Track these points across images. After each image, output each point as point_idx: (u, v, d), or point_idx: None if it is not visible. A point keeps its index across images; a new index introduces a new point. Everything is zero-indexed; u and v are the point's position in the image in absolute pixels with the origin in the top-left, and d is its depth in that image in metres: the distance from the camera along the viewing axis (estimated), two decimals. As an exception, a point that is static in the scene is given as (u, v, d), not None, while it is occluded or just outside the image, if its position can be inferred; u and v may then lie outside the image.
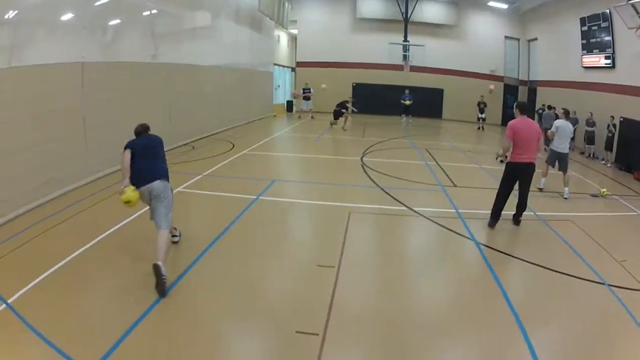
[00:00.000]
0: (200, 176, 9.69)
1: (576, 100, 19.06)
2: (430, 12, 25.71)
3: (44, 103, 7.63)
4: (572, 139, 11.72)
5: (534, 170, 7.13)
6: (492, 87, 26.46)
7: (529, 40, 25.73)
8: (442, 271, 5.89)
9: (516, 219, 7.41)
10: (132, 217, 6.76)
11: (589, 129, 16.74)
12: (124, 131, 9.94)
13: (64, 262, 5.24)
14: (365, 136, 17.79)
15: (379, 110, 25.92)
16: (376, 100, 26.25)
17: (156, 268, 4.60)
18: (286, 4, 23.00)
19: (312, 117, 23.21)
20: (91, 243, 5.86)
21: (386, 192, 9.02)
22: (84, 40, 8.95)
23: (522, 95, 26.50)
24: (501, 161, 7.52)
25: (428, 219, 7.59)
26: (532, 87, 25.46)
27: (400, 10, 24.48)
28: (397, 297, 5.00)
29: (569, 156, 9.63)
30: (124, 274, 5.13)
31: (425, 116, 25.65)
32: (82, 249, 5.66)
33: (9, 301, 4.32)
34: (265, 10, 19.35)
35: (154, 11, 11.86)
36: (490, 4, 25.22)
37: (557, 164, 9.60)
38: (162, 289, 4.56)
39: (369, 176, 10.40)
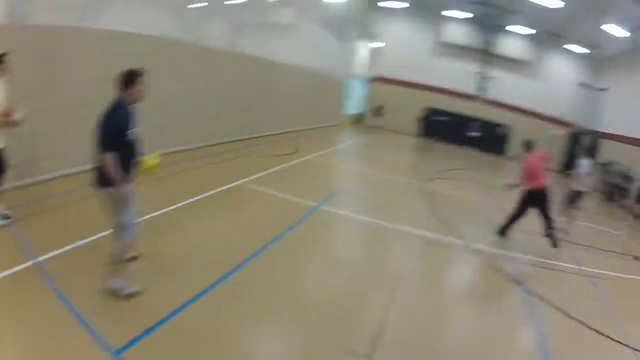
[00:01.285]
0: (264, 173, 9.96)
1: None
2: (510, 46, 25.12)
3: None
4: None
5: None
6: (555, 131, 25.45)
7: (600, 89, 24.61)
8: (484, 311, 5.81)
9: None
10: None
11: None
12: (180, 116, 10.54)
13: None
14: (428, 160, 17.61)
15: (443, 137, 25.51)
16: (443, 127, 25.84)
17: None
18: (373, 16, 23.12)
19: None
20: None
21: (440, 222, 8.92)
22: (163, 15, 9.41)
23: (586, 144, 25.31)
24: None
25: (478, 251, 7.55)
26: (597, 137, 24.33)
27: (485, 40, 23.97)
28: (445, 327, 5.06)
29: None
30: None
31: (489, 151, 24.99)
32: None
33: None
34: (354, 18, 19.51)
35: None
36: (568, 46, 24.30)
37: None
38: None
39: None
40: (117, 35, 7.98)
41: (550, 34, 24.06)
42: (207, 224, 6.69)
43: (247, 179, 9.06)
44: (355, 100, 28.76)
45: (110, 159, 3.94)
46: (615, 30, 19.22)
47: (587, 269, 7.87)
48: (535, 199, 7.92)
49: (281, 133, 16.37)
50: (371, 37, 24.70)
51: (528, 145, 8.30)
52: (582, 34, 22.24)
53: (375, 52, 28.11)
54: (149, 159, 4.56)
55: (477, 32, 25.09)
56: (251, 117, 13.85)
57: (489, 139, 23.92)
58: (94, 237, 5.21)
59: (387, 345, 4.27)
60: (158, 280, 4.70)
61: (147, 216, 5.92)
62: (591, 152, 21.77)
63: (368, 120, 26.73)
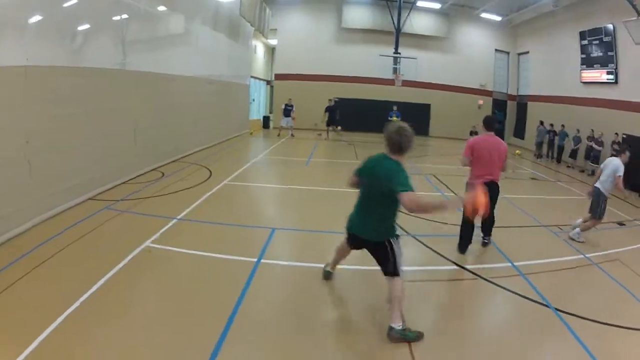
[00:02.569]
0: (175, 220, 7.45)
1: (572, 116, 18.69)
2: (420, 23, 24.21)
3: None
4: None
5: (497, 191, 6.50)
6: (481, 102, 25.45)
7: (519, 54, 25.03)
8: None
9: (483, 244, 6.91)
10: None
11: (597, 147, 16.01)
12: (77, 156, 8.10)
13: None
14: (359, 158, 15.81)
15: (363, 128, 24.23)
16: (361, 116, 24.60)
17: None
18: (267, 10, 20.99)
19: (292, 134, 21.16)
20: None
21: (423, 244, 7.08)
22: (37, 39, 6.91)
23: (511, 110, 25.88)
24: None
25: (487, 280, 5.77)
26: (522, 102, 24.85)
27: (392, 21, 22.66)
28: None
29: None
30: None
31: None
32: None
33: None
34: (247, 14, 17.28)
35: (124, 16, 9.77)
36: (483, 15, 24.01)
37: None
38: None
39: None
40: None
41: (460, 5, 23.58)
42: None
43: (154, 236, 6.67)
44: (259, 103, 26.74)
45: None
46: None
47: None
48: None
49: (190, 154, 13.84)
50: (268, 33, 22.56)
51: (487, 124, 6.67)
52: (495, 1, 21.86)
53: (274, 49, 26.24)
54: None
55: (382, 13, 23.85)
56: (150, 143, 11.28)
57: (409, 121, 22.64)
58: None
59: None
60: None
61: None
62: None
63: (274, 122, 24.78)
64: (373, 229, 4.27)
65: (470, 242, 6.66)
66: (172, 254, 6.07)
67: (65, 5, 7.93)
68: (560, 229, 8.21)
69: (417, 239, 7.23)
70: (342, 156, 16.34)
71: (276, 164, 14.55)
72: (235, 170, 11.94)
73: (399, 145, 4.02)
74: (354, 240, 4.54)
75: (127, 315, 4.50)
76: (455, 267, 6.25)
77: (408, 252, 6.74)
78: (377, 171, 4.10)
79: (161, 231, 6.85)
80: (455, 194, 10.75)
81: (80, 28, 8.36)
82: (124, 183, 9.87)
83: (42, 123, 7.02)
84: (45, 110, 7.08)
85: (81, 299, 4.62)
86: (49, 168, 7.28)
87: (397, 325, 4.10)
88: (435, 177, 12.88)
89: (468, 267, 6.18)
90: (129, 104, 10.09)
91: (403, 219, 8.05)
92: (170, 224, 7.23)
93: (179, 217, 7.60)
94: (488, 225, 6.73)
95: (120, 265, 5.57)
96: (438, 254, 6.64)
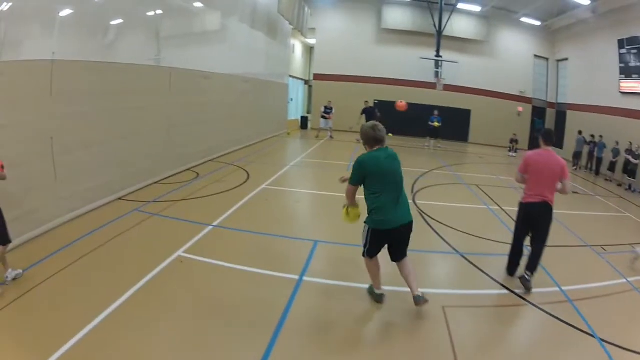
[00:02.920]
0: (210, 227, 6.86)
1: (611, 127, 17.65)
2: (460, 26, 23.21)
3: None
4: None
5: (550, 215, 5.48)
6: (520, 109, 24.48)
7: (559, 61, 23.79)
8: None
9: (523, 281, 5.43)
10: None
11: (634, 161, 15.07)
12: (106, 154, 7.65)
13: None
14: (402, 165, 14.95)
15: (401, 132, 23.43)
16: (399, 120, 23.73)
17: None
18: (306, 9, 20.40)
19: (331, 136, 20.44)
20: None
21: (472, 264, 6.32)
22: (64, 33, 6.49)
23: (550, 118, 24.74)
24: None
25: (537, 307, 5.09)
26: (561, 110, 23.72)
27: (434, 22, 21.70)
28: None
29: None
30: None
31: (451, 139, 23.32)
32: None
33: None
34: (285, 13, 16.72)
35: (158, 11, 9.35)
36: (523, 19, 22.99)
37: None
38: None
39: (437, 233, 7.61)
40: None
41: (500, 9, 22.62)
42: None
43: (185, 245, 6.01)
44: (297, 103, 26.20)
45: None
46: None
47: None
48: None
49: (226, 154, 13.36)
50: (307, 32, 21.95)
51: (546, 138, 5.75)
52: (535, 5, 20.82)
53: (313, 49, 25.67)
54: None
55: (422, 14, 23.00)
56: (185, 142, 10.78)
57: (449, 126, 21.85)
58: None
59: None
60: None
61: None
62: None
63: (314, 124, 24.04)
64: (409, 210, 4.70)
65: (519, 265, 5.87)
66: (206, 267, 5.49)
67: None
68: (604, 249, 7.51)
69: (465, 258, 6.54)
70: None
71: (316, 167, 13.77)
72: (273, 173, 11.31)
73: (381, 139, 4.66)
74: (388, 238, 4.69)
75: (158, 330, 4.04)
76: (505, 291, 5.56)
77: (457, 273, 6.00)
78: (392, 162, 4.64)
79: (195, 239, 6.28)
80: (500, 206, 10.01)
81: (112, 22, 7.91)
82: (156, 183, 9.40)
83: (69, 119, 6.61)
84: (72, 106, 6.67)
85: (108, 310, 4.21)
86: (76, 165, 6.87)
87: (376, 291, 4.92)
88: (477, 187, 12.04)
89: (518, 291, 5.47)
90: (162, 101, 9.64)
91: (451, 236, 7.32)
92: (204, 232, 6.65)
93: (214, 224, 7.02)
94: (533, 257, 5.50)
95: (149, 276, 5.07)
96: (488, 275, 5.97)
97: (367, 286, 5.08)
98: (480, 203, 10.35)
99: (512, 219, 8.76)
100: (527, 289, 5.33)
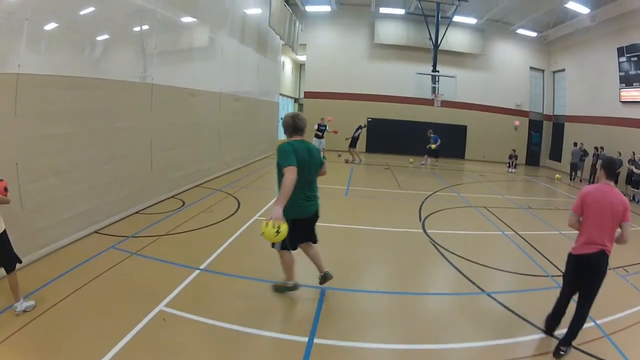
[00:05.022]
0: (197, 271, 5.82)
1: (612, 137, 17.43)
2: (456, 39, 22.71)
3: None
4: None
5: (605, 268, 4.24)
6: (517, 123, 24.15)
7: (554, 72, 23.47)
8: None
9: (559, 347, 4.26)
10: None
11: (637, 171, 14.75)
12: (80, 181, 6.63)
13: None
14: (401, 187, 14.09)
15: (397, 150, 22.85)
16: (395, 138, 23.18)
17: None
18: (297, 24, 19.63)
19: (323, 156, 19.46)
20: None
21: (502, 304, 5.39)
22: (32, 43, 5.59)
23: (547, 131, 24.43)
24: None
25: (578, 349, 4.32)
26: (558, 122, 23.47)
27: (430, 36, 21.02)
28: None
29: None
30: None
31: (447, 156, 22.60)
32: None
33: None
34: (276, 27, 15.91)
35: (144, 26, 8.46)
36: (519, 31, 22.69)
37: None
38: None
39: (458, 270, 6.66)
40: None
41: (496, 21, 22.22)
42: None
43: (169, 296, 4.97)
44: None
45: None
46: (576, 7, 17.76)
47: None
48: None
49: (213, 178, 12.34)
50: (298, 48, 21.16)
51: (608, 170, 4.47)
52: (532, 17, 20.51)
53: (302, 66, 24.94)
54: None
55: (416, 28, 22.43)
56: (169, 166, 9.80)
57: (446, 143, 21.11)
58: None
59: None
60: None
61: None
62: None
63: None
64: (318, 201, 4.97)
65: (560, 323, 4.70)
66: (193, 326, 4.46)
67: (74, 10, 6.57)
68: (626, 270, 6.91)
69: (492, 298, 5.65)
70: (381, 184, 14.56)
71: None
72: (266, 201, 10.14)
73: (300, 128, 4.76)
74: (299, 229, 4.78)
75: None
76: (542, 334, 4.73)
77: (488, 319, 5.15)
78: (313, 153, 4.77)
79: (179, 288, 5.24)
80: (515, 231, 9.21)
81: (91, 34, 6.97)
82: (137, 213, 8.39)
83: (37, 142, 5.59)
84: (41, 127, 5.66)
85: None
86: (45, 195, 5.81)
87: (289, 284, 5.15)
88: (486, 209, 11.20)
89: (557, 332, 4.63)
90: (144, 121, 8.62)
91: (472, 271, 6.41)
92: (190, 277, 5.60)
93: (202, 266, 5.97)
94: (575, 324, 4.33)
95: (125, 339, 4.04)
96: (523, 318, 5.08)
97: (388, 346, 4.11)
98: (494, 228, 9.47)
99: (531, 245, 8.07)
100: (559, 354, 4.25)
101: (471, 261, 7.00)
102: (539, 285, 6.27)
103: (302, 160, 4.51)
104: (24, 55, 5.36)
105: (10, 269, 4.35)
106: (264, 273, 5.83)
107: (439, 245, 7.76)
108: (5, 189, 4.23)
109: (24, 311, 4.32)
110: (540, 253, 7.71)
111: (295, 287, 5.12)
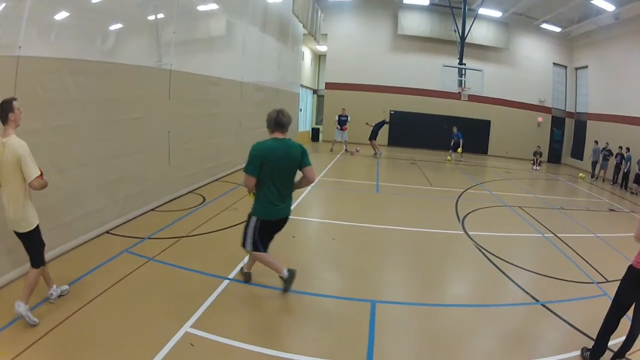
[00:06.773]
0: (226, 282, 5.09)
1: (636, 137, 16.95)
2: (480, 33, 21.76)
3: None
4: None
5: None
6: (540, 119, 23.34)
7: (577, 69, 22.64)
8: None
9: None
10: None
11: None
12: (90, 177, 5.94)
13: None
14: (433, 184, 13.26)
15: (420, 144, 22.10)
16: (418, 131, 22.45)
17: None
18: (319, 13, 18.80)
19: (346, 149, 18.77)
20: None
21: (558, 316, 4.74)
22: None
23: (569, 128, 23.72)
24: None
25: None
26: (580, 120, 22.68)
27: (456, 28, 20.07)
28: None
29: None
30: None
31: (471, 151, 21.78)
32: None
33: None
34: (300, 14, 15.14)
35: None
36: (543, 26, 21.86)
37: None
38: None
39: (508, 277, 5.95)
40: None
41: (520, 14, 21.34)
42: None
43: (194, 315, 4.26)
44: (306, 114, 24.60)
45: None
46: (601, 3, 17.28)
47: None
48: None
49: (233, 172, 11.66)
50: (320, 37, 20.31)
51: None
52: (557, 12, 19.96)
53: (322, 57, 24.17)
54: None
55: (440, 19, 21.57)
56: (189, 160, 9.11)
57: (469, 138, 20.26)
58: None
59: None
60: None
61: None
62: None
63: (325, 135, 22.51)
64: (290, 203, 4.80)
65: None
66: (225, 352, 3.71)
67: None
68: None
69: (547, 308, 5.06)
70: (411, 180, 13.72)
71: (339, 189, 11.79)
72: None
73: (282, 124, 4.51)
74: (272, 230, 4.79)
75: None
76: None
77: (546, 332, 4.58)
78: (292, 154, 4.48)
79: (206, 303, 4.50)
80: (554, 233, 8.56)
81: (102, 14, 6.26)
82: (153, 210, 7.69)
83: (41, 135, 4.92)
84: (44, 118, 5.03)
85: None
86: (48, 193, 5.07)
87: (285, 274, 4.81)
88: (521, 209, 10.56)
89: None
90: (159, 111, 7.88)
91: (521, 278, 5.68)
92: (218, 290, 4.89)
93: (230, 276, 5.24)
94: (629, 341, 3.88)
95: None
96: (577, 330, 4.55)
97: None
98: (533, 230, 8.80)
99: (571, 249, 7.34)
100: None
101: (517, 266, 6.43)
102: (587, 293, 5.68)
103: (273, 161, 4.37)
104: (25, 36, 4.64)
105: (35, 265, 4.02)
106: (304, 284, 5.10)
107: (484, 248, 7.12)
108: (42, 175, 3.96)
109: (60, 296, 4.34)
110: (581, 257, 7.06)
111: (292, 274, 4.84)
